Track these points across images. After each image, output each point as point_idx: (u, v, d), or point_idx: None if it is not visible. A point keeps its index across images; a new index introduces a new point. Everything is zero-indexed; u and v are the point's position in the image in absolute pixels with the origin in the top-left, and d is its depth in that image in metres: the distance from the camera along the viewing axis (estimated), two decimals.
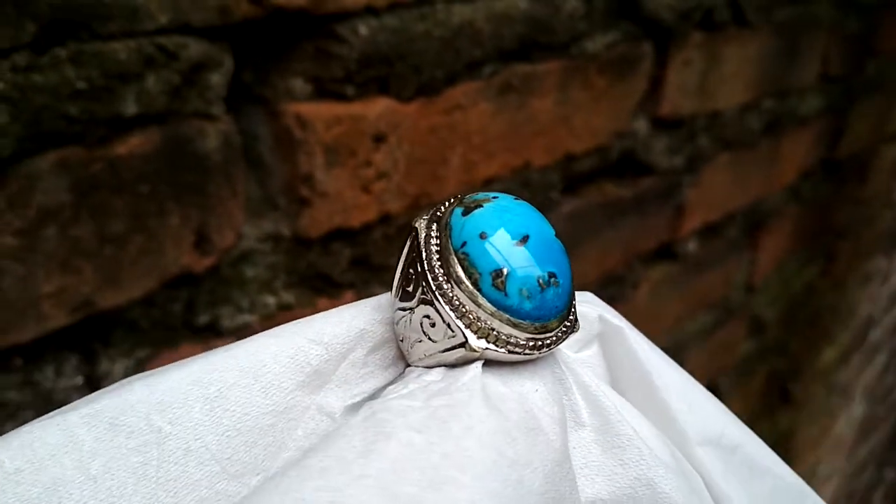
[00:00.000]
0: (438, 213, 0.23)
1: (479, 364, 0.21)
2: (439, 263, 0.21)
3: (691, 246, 0.84)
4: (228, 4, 0.38)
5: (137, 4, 0.35)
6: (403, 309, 0.22)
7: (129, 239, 0.39)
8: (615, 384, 0.25)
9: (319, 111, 0.45)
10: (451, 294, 0.21)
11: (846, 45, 0.97)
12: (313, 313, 0.50)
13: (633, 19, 0.63)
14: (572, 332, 0.22)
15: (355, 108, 0.46)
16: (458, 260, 0.21)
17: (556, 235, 0.22)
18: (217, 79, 0.40)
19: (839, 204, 1.17)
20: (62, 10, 0.33)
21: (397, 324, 0.22)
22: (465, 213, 0.22)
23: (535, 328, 0.21)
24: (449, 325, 0.21)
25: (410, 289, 0.22)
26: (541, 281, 0.21)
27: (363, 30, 0.44)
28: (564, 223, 0.65)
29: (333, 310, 0.23)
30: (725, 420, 0.26)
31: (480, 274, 0.21)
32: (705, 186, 0.81)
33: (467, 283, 0.21)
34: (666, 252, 0.81)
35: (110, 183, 0.37)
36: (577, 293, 0.24)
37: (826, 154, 1.06)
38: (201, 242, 0.42)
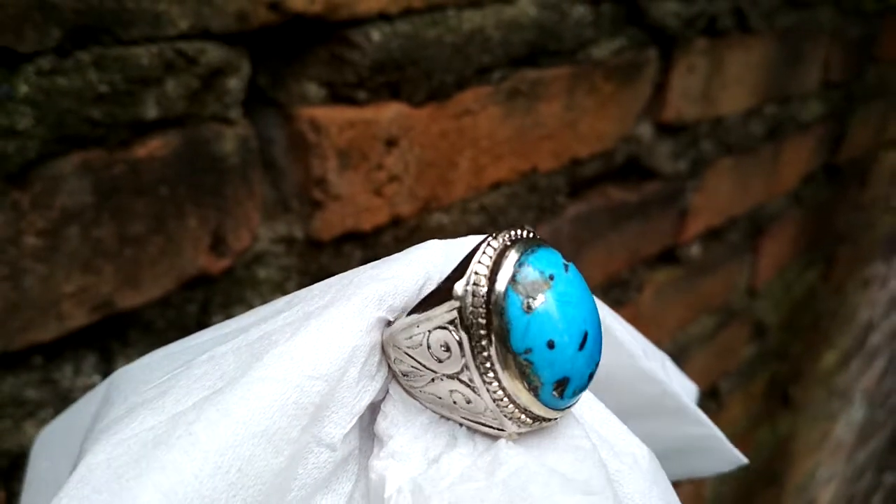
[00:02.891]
0: (487, 286, 0.20)
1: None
2: (497, 361, 0.19)
3: (694, 250, 0.85)
4: (247, 11, 0.39)
5: (159, 10, 0.36)
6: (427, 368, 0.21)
7: (149, 240, 0.39)
8: None
9: (333, 115, 0.45)
10: (501, 393, 0.20)
11: (847, 51, 0.98)
12: None
13: (639, 26, 0.64)
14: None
15: (368, 112, 0.47)
16: (520, 365, 0.19)
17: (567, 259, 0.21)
18: (235, 83, 0.41)
19: (839, 209, 1.18)
20: (86, 16, 0.34)
21: (396, 354, 0.21)
22: (527, 308, 0.19)
23: (564, 411, 0.21)
24: (489, 409, 0.20)
25: (447, 355, 0.20)
26: (591, 376, 0.21)
27: (376, 36, 0.45)
28: (570, 227, 0.65)
29: (317, 326, 0.21)
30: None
31: (543, 384, 0.20)
32: (708, 191, 0.82)
33: (524, 387, 0.20)
34: (669, 256, 0.82)
35: (131, 185, 0.38)
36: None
37: (827, 159, 1.06)
38: (218, 244, 0.43)
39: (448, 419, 0.21)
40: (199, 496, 0.17)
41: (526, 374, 0.19)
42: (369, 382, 0.21)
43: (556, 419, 0.21)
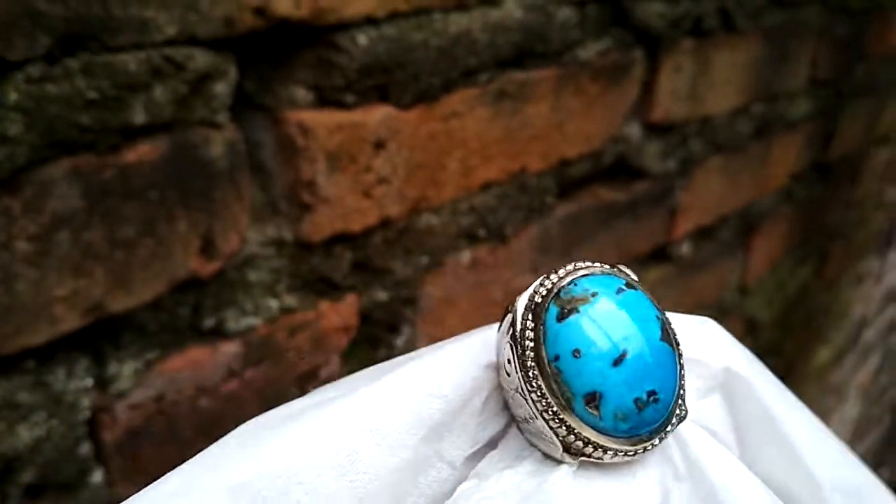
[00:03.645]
0: (537, 300, 0.21)
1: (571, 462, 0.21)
2: (534, 368, 0.20)
3: (685, 248, 0.86)
4: (233, 16, 0.40)
5: (146, 17, 0.37)
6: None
7: (139, 244, 0.40)
8: (741, 432, 0.24)
9: (321, 119, 0.46)
10: (543, 407, 0.20)
11: (835, 49, 0.98)
12: (316, 316, 0.51)
13: (625, 27, 0.64)
14: (673, 430, 0.21)
15: (356, 115, 0.47)
16: (552, 374, 0.20)
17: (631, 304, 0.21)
18: (222, 88, 0.41)
19: (831, 206, 1.19)
20: (74, 23, 0.35)
21: (506, 384, 0.22)
22: (560, 318, 0.21)
23: (632, 442, 0.21)
24: (544, 433, 0.21)
25: (510, 367, 0.21)
26: (639, 403, 0.20)
27: (363, 40, 0.46)
28: (559, 227, 0.66)
29: (444, 350, 0.22)
30: (853, 466, 0.26)
31: (573, 395, 0.20)
32: (698, 190, 0.83)
33: (560, 399, 0.20)
34: (660, 254, 0.83)
35: (121, 189, 0.38)
36: (698, 322, 0.24)
37: (817, 157, 1.07)
38: (207, 247, 0.43)
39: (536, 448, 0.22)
40: (312, 466, 0.19)
41: (558, 382, 0.20)
42: (493, 417, 0.22)
43: (620, 453, 0.21)
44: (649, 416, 0.20)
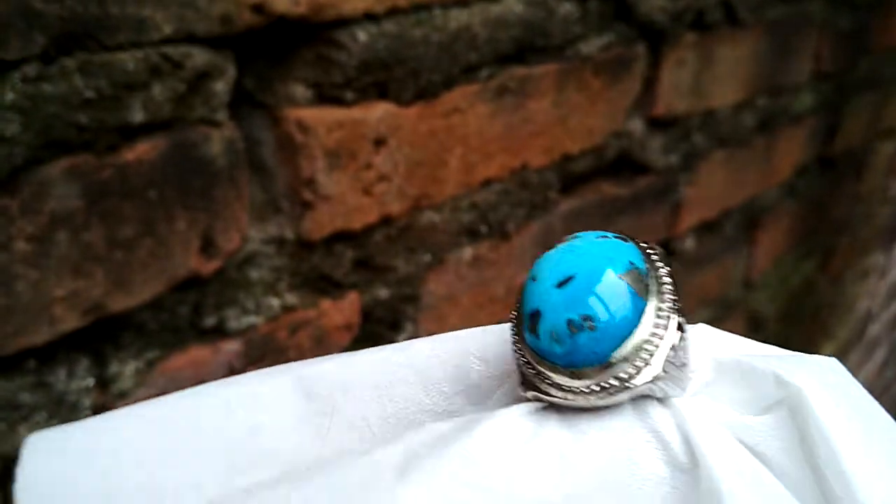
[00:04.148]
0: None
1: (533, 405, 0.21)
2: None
3: (689, 243, 0.86)
4: (231, 14, 0.39)
5: (143, 16, 0.36)
6: None
7: (139, 243, 0.40)
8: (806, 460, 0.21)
9: (320, 116, 0.46)
10: (515, 338, 0.21)
11: (839, 42, 0.98)
12: (317, 314, 0.51)
13: (627, 21, 0.64)
14: (627, 387, 0.20)
15: (355, 112, 0.47)
16: (517, 300, 0.21)
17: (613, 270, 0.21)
18: (221, 86, 0.41)
19: (836, 200, 1.18)
20: (71, 22, 0.34)
21: None
22: (540, 253, 0.22)
23: (570, 374, 0.20)
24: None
25: None
26: (572, 325, 0.20)
27: (362, 36, 0.45)
28: (562, 222, 0.66)
29: (495, 327, 0.23)
30: None
31: (524, 317, 0.21)
32: (701, 184, 0.82)
33: (516, 324, 0.21)
34: (664, 249, 0.82)
35: (119, 189, 0.38)
36: (756, 346, 0.23)
37: (821, 151, 1.07)
38: (207, 246, 0.43)
39: None
40: (356, 379, 0.22)
41: (518, 306, 0.21)
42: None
43: (566, 389, 0.20)
44: (584, 344, 0.20)
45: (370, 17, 0.45)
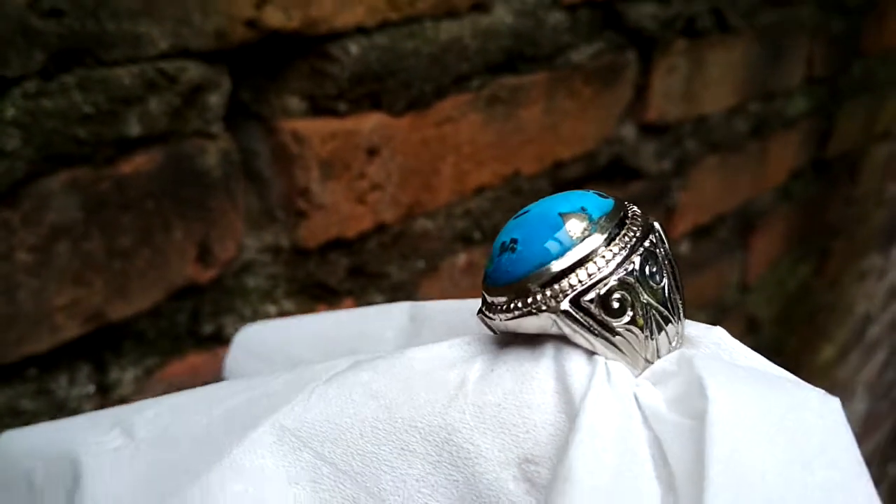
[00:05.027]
0: None
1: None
2: None
3: (683, 248, 0.86)
4: (225, 29, 0.40)
5: (140, 32, 0.38)
6: None
7: (137, 253, 0.41)
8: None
9: (314, 127, 0.47)
10: None
11: (831, 46, 0.99)
12: None
13: (617, 29, 0.65)
14: (530, 312, 0.21)
15: (349, 123, 0.48)
16: None
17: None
18: (216, 99, 0.42)
19: (831, 203, 1.19)
20: (69, 40, 0.36)
21: None
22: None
23: (490, 291, 0.22)
24: None
25: None
26: (503, 246, 0.22)
27: (354, 49, 0.46)
28: None
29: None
30: None
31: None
32: (695, 189, 0.83)
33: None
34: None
35: (118, 200, 0.39)
36: (766, 365, 0.23)
37: (815, 154, 1.08)
38: (204, 255, 0.44)
39: None
40: (440, 310, 0.27)
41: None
42: None
43: (486, 302, 0.22)
44: (504, 263, 0.22)
45: (362, 30, 0.47)
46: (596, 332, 0.21)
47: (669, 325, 0.22)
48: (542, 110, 0.60)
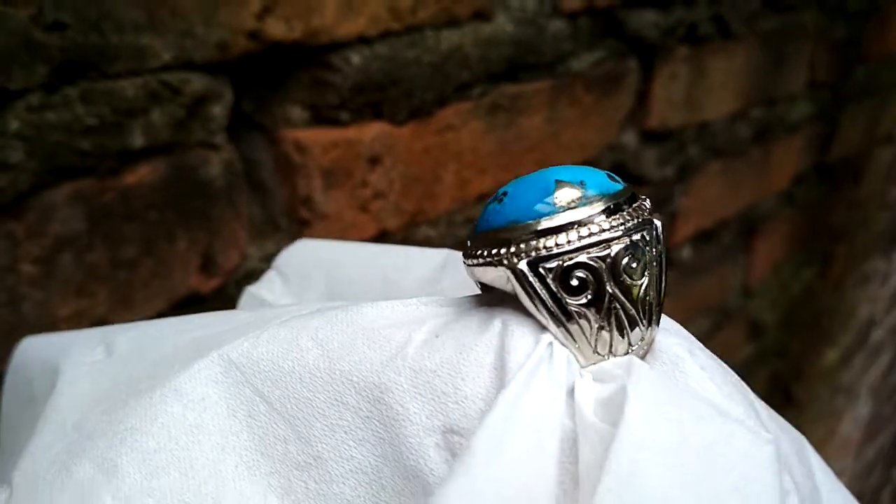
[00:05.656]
0: None
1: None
2: None
3: (686, 253, 0.87)
4: (227, 41, 0.41)
5: (143, 44, 0.38)
6: None
7: (140, 263, 0.41)
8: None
9: (316, 137, 0.47)
10: None
11: (833, 51, 0.99)
12: None
13: (617, 37, 0.65)
14: (489, 262, 0.21)
15: (351, 132, 0.48)
16: None
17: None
18: (218, 110, 0.43)
19: (834, 207, 1.19)
20: (72, 52, 0.36)
21: None
22: None
23: (471, 238, 0.22)
24: None
25: None
26: (495, 195, 0.22)
27: (356, 59, 0.47)
28: None
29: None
30: None
31: None
32: (697, 195, 0.83)
33: None
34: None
35: (121, 211, 0.40)
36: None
37: (818, 158, 1.08)
38: (208, 265, 0.44)
39: None
40: (317, 341, 0.23)
41: None
42: None
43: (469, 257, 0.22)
44: (488, 213, 0.22)
45: (363, 40, 0.47)
46: (547, 304, 0.21)
47: (635, 327, 0.21)
48: (544, 118, 0.61)
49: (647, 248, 0.21)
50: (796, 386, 1.31)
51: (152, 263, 0.42)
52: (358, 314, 0.23)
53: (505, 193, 0.22)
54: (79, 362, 0.27)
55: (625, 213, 0.21)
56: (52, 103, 0.36)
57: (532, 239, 0.21)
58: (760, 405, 0.23)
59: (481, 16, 0.53)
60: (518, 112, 0.58)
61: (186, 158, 0.42)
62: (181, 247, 0.43)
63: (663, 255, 0.22)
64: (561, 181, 0.21)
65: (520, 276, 0.21)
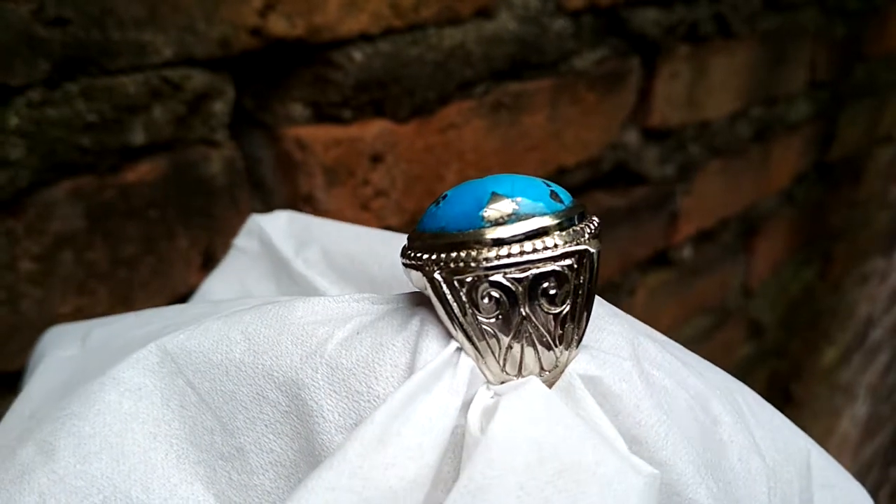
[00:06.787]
0: None
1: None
2: None
3: (686, 252, 0.86)
4: (229, 37, 0.40)
5: (144, 40, 0.37)
6: None
7: (141, 261, 0.41)
8: None
9: (318, 134, 0.47)
10: None
11: (833, 50, 0.99)
12: None
13: (620, 35, 0.65)
14: (414, 262, 0.21)
15: (353, 130, 0.48)
16: None
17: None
18: (220, 107, 0.42)
19: (834, 206, 1.19)
20: (73, 48, 0.35)
21: None
22: None
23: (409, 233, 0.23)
24: None
25: None
26: (440, 196, 0.22)
27: (358, 56, 0.46)
28: None
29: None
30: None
31: None
32: (698, 194, 0.83)
33: None
34: (661, 259, 0.83)
35: (122, 209, 0.39)
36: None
37: (818, 158, 1.07)
38: (209, 263, 0.44)
39: None
40: (246, 335, 0.23)
41: None
42: None
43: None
44: (428, 213, 0.22)
45: (366, 37, 0.46)
46: (457, 317, 0.21)
47: (549, 350, 0.21)
48: (546, 116, 0.60)
49: (574, 275, 0.21)
50: (795, 385, 1.31)
51: (153, 261, 0.41)
52: (289, 310, 0.23)
53: (444, 197, 0.22)
54: (57, 356, 0.28)
55: (557, 235, 0.21)
56: (52, 99, 0.36)
57: (451, 250, 0.21)
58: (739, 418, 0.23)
59: (484, 14, 0.53)
60: (521, 110, 0.58)
61: (187, 156, 0.42)
62: (182, 245, 0.42)
63: (592, 285, 0.21)
64: (497, 194, 0.21)
65: (435, 285, 0.21)
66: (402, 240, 0.24)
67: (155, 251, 0.41)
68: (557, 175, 0.64)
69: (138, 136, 0.39)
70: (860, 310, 1.46)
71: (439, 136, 0.53)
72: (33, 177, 0.36)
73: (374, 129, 0.49)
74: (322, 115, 0.47)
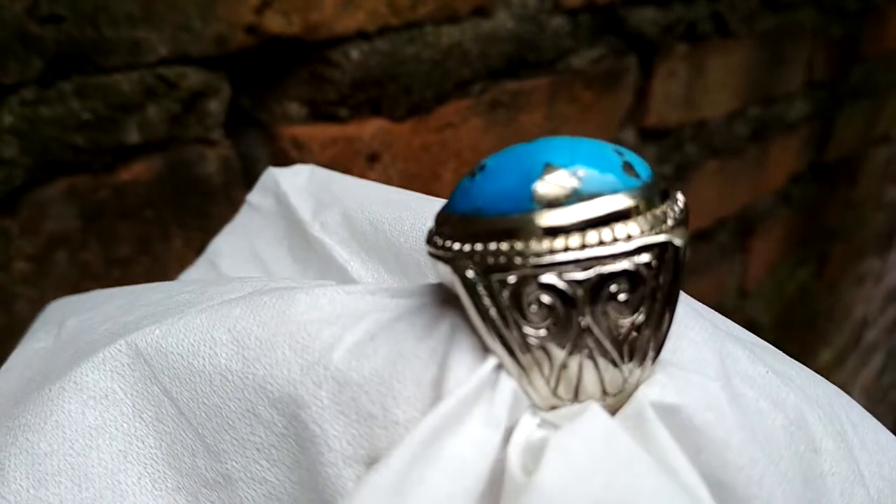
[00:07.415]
0: None
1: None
2: None
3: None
4: (225, 35, 0.40)
5: (139, 38, 0.37)
6: None
7: (136, 261, 0.40)
8: None
9: (315, 133, 0.46)
10: None
11: (830, 51, 0.99)
12: None
13: (617, 34, 0.65)
14: (441, 252, 0.16)
15: (349, 129, 0.48)
16: None
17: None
18: (215, 106, 0.42)
19: (830, 207, 1.19)
20: (67, 46, 0.35)
21: None
22: None
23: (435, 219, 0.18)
24: None
25: None
26: (477, 166, 0.17)
27: (355, 54, 0.46)
28: None
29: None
30: None
31: None
32: (695, 194, 0.83)
33: None
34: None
35: (116, 208, 0.39)
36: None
37: (815, 158, 1.07)
38: None
39: None
40: (234, 335, 0.19)
41: None
42: None
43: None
44: (462, 188, 0.17)
45: (363, 35, 0.46)
46: (497, 326, 0.16)
47: (616, 367, 0.16)
48: (544, 115, 0.60)
49: (652, 275, 0.16)
50: None
51: (148, 261, 0.41)
52: (288, 302, 0.18)
53: (482, 167, 0.17)
54: (29, 348, 0.24)
55: (631, 224, 0.15)
56: (46, 98, 0.35)
57: (489, 240, 0.16)
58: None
59: (481, 12, 0.52)
60: (518, 109, 0.58)
61: (182, 154, 0.41)
62: (177, 244, 0.42)
63: (675, 286, 0.16)
64: (552, 165, 0.16)
65: (468, 285, 0.16)
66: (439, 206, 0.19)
67: (150, 251, 0.41)
68: None
69: (133, 135, 0.39)
70: (855, 311, 1.46)
71: (436, 134, 0.53)
72: (27, 176, 0.36)
73: (370, 128, 0.49)
74: (318, 113, 0.47)
